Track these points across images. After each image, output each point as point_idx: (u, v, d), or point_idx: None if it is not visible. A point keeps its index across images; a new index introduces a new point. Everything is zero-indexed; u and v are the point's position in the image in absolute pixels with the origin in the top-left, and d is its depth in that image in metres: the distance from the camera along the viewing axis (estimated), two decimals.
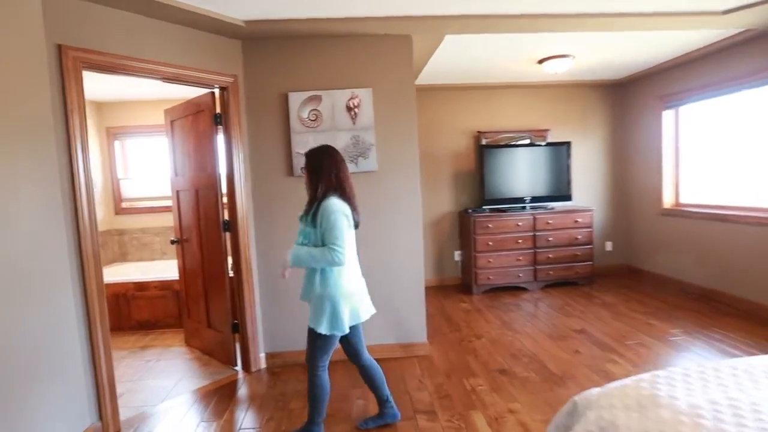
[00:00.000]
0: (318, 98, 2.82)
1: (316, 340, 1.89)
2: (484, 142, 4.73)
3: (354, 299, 1.90)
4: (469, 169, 4.85)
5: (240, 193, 2.78)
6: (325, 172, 1.86)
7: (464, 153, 4.84)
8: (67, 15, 2.02)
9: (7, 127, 1.75)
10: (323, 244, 1.81)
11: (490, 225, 4.34)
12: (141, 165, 4.55)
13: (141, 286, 3.66)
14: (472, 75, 4.25)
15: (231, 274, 2.91)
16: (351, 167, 2.84)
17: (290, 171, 2.87)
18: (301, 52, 2.81)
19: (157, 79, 2.41)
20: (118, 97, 4.24)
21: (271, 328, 2.96)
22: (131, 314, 3.69)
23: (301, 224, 1.92)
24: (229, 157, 2.75)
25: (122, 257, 4.49)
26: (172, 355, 3.21)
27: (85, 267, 2.07)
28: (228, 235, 2.84)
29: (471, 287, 4.48)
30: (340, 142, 2.83)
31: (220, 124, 2.77)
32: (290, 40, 2.79)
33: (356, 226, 1.94)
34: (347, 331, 1.86)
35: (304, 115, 2.82)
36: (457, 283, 4.91)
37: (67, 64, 2.00)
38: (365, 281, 2.06)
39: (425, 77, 4.22)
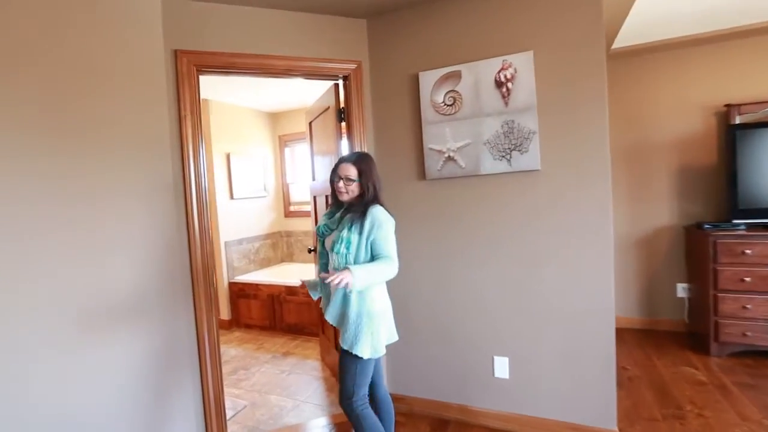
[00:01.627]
0: (456, 75, 2.12)
1: (356, 366, 1.64)
2: (738, 120, 3.05)
3: (387, 316, 1.70)
4: (705, 163, 3.23)
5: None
6: (371, 179, 1.67)
7: (697, 139, 3.24)
8: (184, 19, 1.94)
9: (128, 134, 1.75)
10: (372, 255, 1.62)
11: (747, 250, 2.72)
12: (306, 170, 4.74)
13: (291, 291, 3.70)
14: (711, 17, 2.73)
15: None
16: (501, 165, 2.05)
17: (422, 173, 2.27)
18: (435, 19, 2.17)
19: (272, 75, 2.18)
20: (286, 107, 4.49)
21: (397, 366, 2.43)
22: (283, 316, 3.78)
23: (342, 231, 1.63)
24: (351, 148, 2.34)
25: (289, 257, 4.77)
26: (305, 369, 3.05)
27: (194, 280, 1.96)
28: None
29: (707, 343, 2.93)
30: (486, 131, 2.06)
31: (344, 121, 2.39)
32: (421, 6, 2.18)
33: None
34: (384, 352, 1.67)
35: (439, 99, 2.17)
36: (680, 331, 3.35)
37: (182, 69, 1.91)
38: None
39: (626, 36, 2.94)
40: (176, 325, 1.92)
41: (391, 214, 1.64)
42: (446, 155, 2.17)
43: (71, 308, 1.62)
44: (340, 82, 2.37)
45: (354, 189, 1.66)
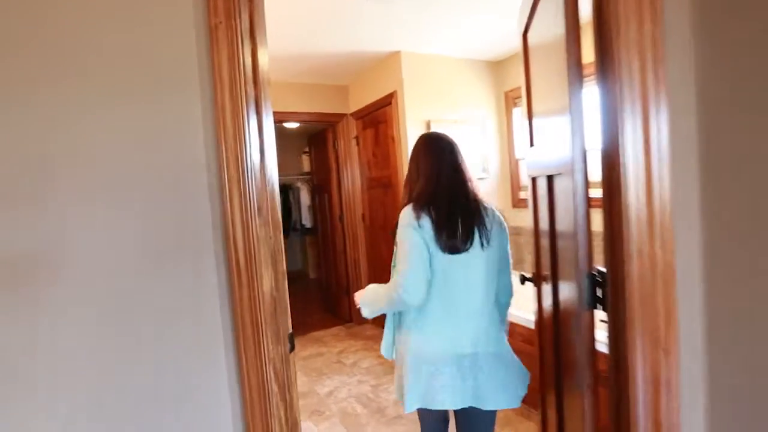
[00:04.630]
0: None
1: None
2: None
3: (418, 367, 1.26)
4: None
5: (640, 191, 0.80)
6: (412, 172, 1.35)
7: None
8: None
9: (144, 76, 0.93)
10: None
11: None
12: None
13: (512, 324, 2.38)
14: None
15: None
16: None
17: None
18: None
19: None
20: (515, 48, 3.06)
21: None
22: None
23: None
24: (611, 101, 0.83)
25: (518, 265, 3.39)
26: None
27: (239, 345, 1.02)
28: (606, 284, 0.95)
29: None
30: None
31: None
32: None
33: (452, 250, 1.22)
34: (408, 408, 1.25)
35: None
36: None
37: None
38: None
39: None
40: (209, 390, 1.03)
41: (414, 212, 1.24)
42: None
43: None
44: None
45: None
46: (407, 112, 2.96)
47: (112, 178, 0.89)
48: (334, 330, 3.87)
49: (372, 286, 1.38)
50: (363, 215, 3.92)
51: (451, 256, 1.22)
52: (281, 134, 5.74)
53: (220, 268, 0.99)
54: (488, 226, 1.27)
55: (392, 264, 1.33)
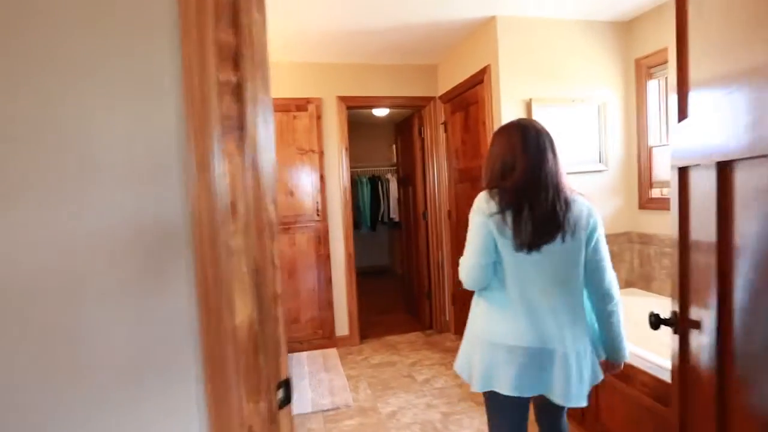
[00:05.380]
0: None
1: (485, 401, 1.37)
2: None
3: (478, 347, 1.28)
4: None
5: None
6: (506, 160, 1.27)
7: None
8: None
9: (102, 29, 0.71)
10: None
11: None
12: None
13: (622, 372, 1.79)
14: None
15: None
16: None
17: None
18: None
19: None
20: (648, 2, 2.32)
21: None
22: (598, 407, 1.92)
23: None
24: None
25: (643, 282, 2.65)
26: None
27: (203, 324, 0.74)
28: None
29: None
30: None
31: None
32: None
33: (522, 248, 1.20)
34: (474, 388, 1.28)
35: None
36: None
37: None
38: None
39: None
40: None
41: (489, 200, 1.24)
42: None
43: None
44: None
45: None
46: (503, 90, 2.46)
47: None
48: (411, 336, 3.55)
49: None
50: (449, 212, 3.50)
51: (516, 251, 1.22)
52: (371, 122, 5.56)
53: (191, 292, 0.72)
54: (572, 220, 1.22)
55: None
